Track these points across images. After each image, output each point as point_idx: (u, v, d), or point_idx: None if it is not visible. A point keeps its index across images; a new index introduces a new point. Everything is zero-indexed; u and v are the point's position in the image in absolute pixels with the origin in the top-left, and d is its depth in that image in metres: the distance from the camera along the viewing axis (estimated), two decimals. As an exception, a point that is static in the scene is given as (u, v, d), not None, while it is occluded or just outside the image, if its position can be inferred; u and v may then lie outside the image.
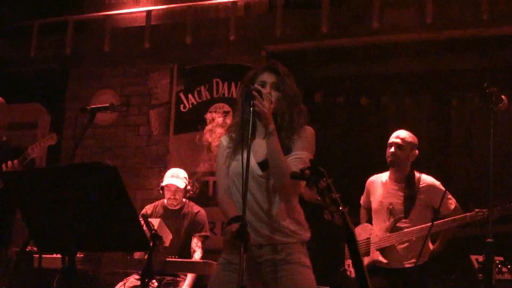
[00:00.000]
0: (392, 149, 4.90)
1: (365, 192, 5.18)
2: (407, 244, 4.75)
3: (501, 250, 4.18)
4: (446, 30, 6.36)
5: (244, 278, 2.80)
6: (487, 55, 6.45)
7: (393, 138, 4.94)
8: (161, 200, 5.75)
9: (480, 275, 3.66)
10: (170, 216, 5.56)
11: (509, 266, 4.45)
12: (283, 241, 3.20)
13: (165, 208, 5.66)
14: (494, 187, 3.86)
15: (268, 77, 3.32)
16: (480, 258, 3.72)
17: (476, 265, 4.15)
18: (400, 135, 4.94)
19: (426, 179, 4.89)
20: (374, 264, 4.83)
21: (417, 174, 4.92)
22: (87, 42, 7.70)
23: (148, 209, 5.71)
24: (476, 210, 4.58)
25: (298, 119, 3.29)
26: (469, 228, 4.76)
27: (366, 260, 4.85)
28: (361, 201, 5.21)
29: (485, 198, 3.90)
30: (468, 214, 4.63)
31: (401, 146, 4.88)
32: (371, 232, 4.95)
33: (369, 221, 5.11)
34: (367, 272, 4.69)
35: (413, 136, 4.96)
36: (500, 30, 6.20)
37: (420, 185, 4.85)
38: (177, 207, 5.62)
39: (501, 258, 4.49)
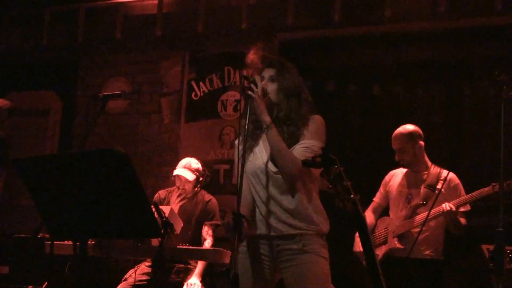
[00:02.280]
0: (397, 157, 4.89)
1: (382, 185, 5.11)
2: (426, 234, 4.70)
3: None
4: (459, 19, 6.32)
5: (235, 267, 2.98)
6: (500, 44, 6.41)
7: (392, 145, 4.90)
8: (175, 187, 5.75)
9: (491, 264, 3.66)
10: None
11: (520, 256, 4.43)
12: (300, 233, 3.28)
13: (177, 195, 5.67)
14: (505, 175, 3.86)
15: (266, 72, 3.43)
16: (491, 248, 3.72)
17: (487, 254, 4.14)
18: (395, 139, 4.89)
19: (453, 177, 4.82)
20: (392, 253, 4.78)
21: (436, 168, 4.87)
22: (99, 30, 7.71)
23: (161, 193, 5.72)
24: (493, 184, 4.47)
25: (297, 109, 3.35)
26: (480, 217, 4.74)
27: (383, 249, 4.83)
28: (375, 198, 5.15)
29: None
30: (485, 188, 4.54)
31: (401, 149, 4.84)
32: (389, 222, 4.93)
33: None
34: (385, 261, 4.74)
35: (409, 129, 4.87)
36: (513, 19, 6.16)
37: (441, 178, 4.77)
38: (189, 196, 5.63)
39: (513, 248, 4.48)
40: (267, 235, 3.30)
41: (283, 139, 3.28)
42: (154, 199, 5.58)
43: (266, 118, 3.21)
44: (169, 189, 5.80)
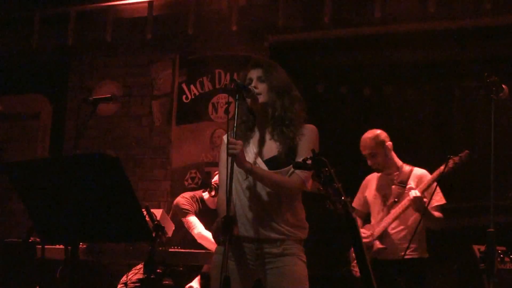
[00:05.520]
0: (369, 162, 4.97)
1: (359, 190, 5.18)
2: (404, 232, 4.75)
3: (504, 240, 4.18)
4: (449, 20, 6.34)
5: (227, 268, 2.96)
6: (489, 45, 6.43)
7: (362, 152, 4.98)
8: (199, 193, 5.57)
9: (482, 264, 3.67)
10: (208, 214, 5.41)
11: (511, 256, 4.45)
12: (281, 238, 3.30)
13: (204, 204, 5.50)
14: (495, 176, 3.87)
15: (253, 73, 3.42)
16: (482, 248, 3.73)
17: (478, 255, 4.15)
18: (364, 145, 4.97)
19: (418, 170, 4.89)
20: (376, 256, 4.80)
21: (408, 166, 4.92)
22: (89, 33, 7.68)
23: (187, 199, 5.45)
24: (448, 160, 4.60)
25: (291, 107, 3.37)
26: (471, 218, 4.75)
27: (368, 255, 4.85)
28: (353, 204, 5.16)
29: (487, 187, 3.90)
30: (441, 167, 4.63)
31: (372, 153, 4.93)
32: (369, 228, 4.95)
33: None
34: (372, 265, 4.76)
35: (374, 133, 4.97)
36: (503, 20, 6.17)
37: (412, 174, 4.85)
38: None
39: (504, 248, 4.49)
40: (249, 236, 3.30)
41: (284, 140, 3.30)
42: (186, 208, 5.37)
43: (247, 165, 3.20)
44: (192, 195, 5.53)
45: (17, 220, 7.05)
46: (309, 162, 2.80)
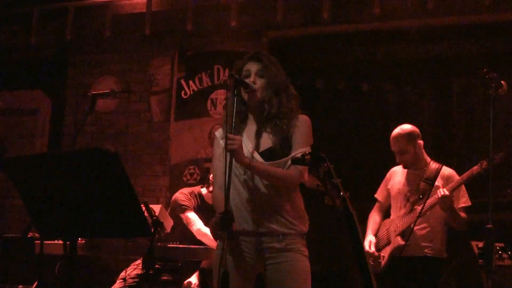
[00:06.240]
0: (398, 159, 4.85)
1: (383, 183, 5.08)
2: (427, 230, 4.70)
3: (502, 236, 4.19)
4: (447, 16, 6.33)
5: (226, 264, 2.94)
6: (489, 41, 6.43)
7: (392, 148, 4.84)
8: (197, 189, 5.54)
9: (480, 261, 3.68)
10: (206, 209, 5.38)
11: (509, 252, 4.46)
12: (283, 231, 3.29)
13: (202, 199, 5.47)
14: (495, 172, 3.88)
15: (252, 66, 3.40)
16: (481, 244, 3.74)
17: (477, 251, 4.15)
18: (395, 141, 4.82)
19: (447, 169, 4.78)
20: (396, 252, 4.72)
21: (436, 164, 4.81)
22: (88, 28, 7.67)
23: (186, 195, 5.43)
24: (481, 161, 4.44)
25: (287, 104, 3.38)
26: (470, 214, 4.75)
27: (388, 250, 4.81)
28: (379, 197, 5.10)
29: (486, 183, 3.91)
30: (473, 168, 4.50)
31: (402, 151, 4.79)
32: (391, 223, 4.89)
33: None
34: (392, 261, 4.74)
35: (407, 129, 4.81)
36: (501, 16, 6.17)
37: (440, 173, 4.73)
38: None
39: (502, 244, 4.50)
40: (249, 230, 3.29)
41: (278, 132, 3.30)
42: (185, 204, 5.34)
43: (246, 160, 3.19)
44: (191, 191, 5.51)
45: (16, 215, 7.05)
46: (307, 158, 2.80)
